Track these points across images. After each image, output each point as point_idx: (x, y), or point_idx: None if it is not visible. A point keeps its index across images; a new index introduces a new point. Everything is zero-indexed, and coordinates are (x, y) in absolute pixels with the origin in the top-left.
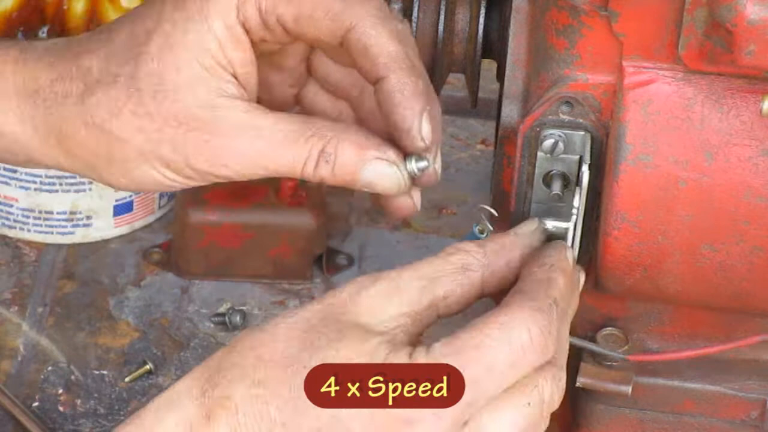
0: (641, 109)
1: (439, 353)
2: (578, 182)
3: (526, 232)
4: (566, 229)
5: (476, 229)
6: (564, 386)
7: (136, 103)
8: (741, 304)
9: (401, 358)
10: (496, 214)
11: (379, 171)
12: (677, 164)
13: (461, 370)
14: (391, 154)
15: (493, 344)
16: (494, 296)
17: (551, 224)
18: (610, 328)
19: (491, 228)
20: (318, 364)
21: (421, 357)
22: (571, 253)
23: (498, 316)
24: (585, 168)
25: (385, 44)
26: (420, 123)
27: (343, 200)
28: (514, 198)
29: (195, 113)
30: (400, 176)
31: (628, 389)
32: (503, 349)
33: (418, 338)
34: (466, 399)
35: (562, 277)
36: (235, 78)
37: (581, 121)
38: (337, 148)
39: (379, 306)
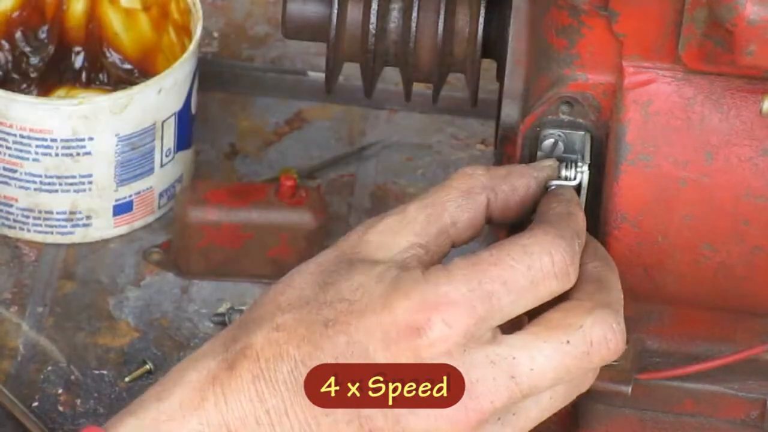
0: (641, 109)
1: (455, 266)
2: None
3: (538, 164)
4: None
5: None
6: (623, 333)
7: None
8: (741, 304)
9: (414, 275)
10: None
11: None
12: (677, 164)
13: (476, 283)
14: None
15: (512, 263)
16: (499, 227)
17: (556, 184)
18: None
19: None
20: (332, 297)
21: (437, 272)
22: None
23: (521, 239)
24: (585, 168)
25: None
26: None
27: (343, 200)
28: None
29: None
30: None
31: (628, 389)
32: (522, 269)
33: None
34: (479, 312)
35: (581, 213)
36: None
37: (581, 121)
38: None
39: (389, 240)
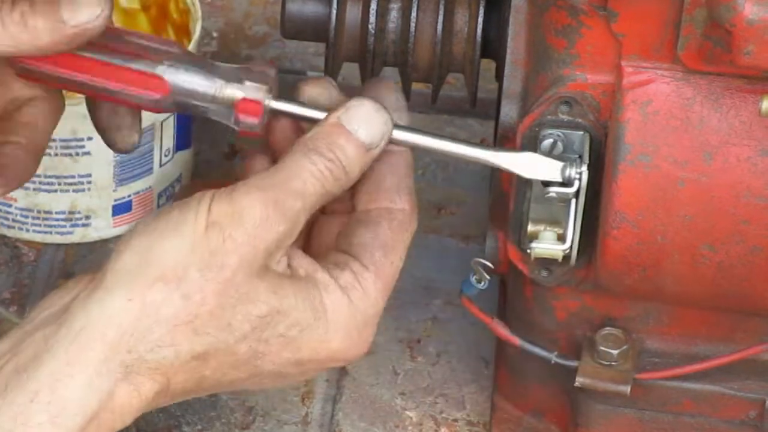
0: (640, 109)
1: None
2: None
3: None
4: (569, 195)
5: (473, 279)
6: None
7: None
8: (740, 304)
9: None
10: (492, 267)
11: None
12: (676, 164)
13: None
14: None
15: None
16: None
17: (554, 191)
18: (609, 328)
19: (488, 277)
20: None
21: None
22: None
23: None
24: (584, 168)
25: None
26: None
27: None
28: (513, 198)
29: None
30: None
31: (627, 389)
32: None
33: None
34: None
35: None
36: None
37: (580, 121)
38: None
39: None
